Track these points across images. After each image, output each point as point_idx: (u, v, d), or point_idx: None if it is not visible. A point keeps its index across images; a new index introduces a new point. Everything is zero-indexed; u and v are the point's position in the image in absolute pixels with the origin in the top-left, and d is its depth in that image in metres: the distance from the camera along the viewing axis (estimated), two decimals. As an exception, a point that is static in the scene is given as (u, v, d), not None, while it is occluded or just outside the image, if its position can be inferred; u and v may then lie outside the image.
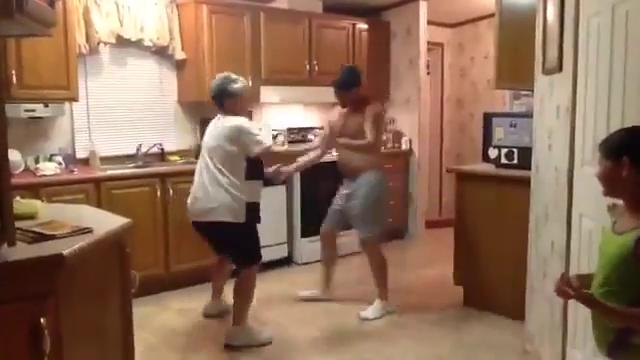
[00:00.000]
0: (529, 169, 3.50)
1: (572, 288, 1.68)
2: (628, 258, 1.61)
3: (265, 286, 4.34)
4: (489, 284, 3.99)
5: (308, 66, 5.55)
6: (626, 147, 1.68)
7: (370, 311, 3.99)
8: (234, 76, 3.63)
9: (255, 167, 3.54)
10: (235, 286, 3.55)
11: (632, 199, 1.70)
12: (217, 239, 3.63)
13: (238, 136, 3.43)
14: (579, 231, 2.58)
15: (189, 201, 3.58)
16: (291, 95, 5.53)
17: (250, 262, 3.56)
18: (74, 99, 4.33)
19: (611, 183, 1.74)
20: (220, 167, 3.43)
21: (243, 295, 3.53)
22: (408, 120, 6.30)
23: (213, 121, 3.65)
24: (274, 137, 5.37)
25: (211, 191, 3.41)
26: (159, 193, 4.39)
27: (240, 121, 3.49)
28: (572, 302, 2.58)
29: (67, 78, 4.19)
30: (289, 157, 4.23)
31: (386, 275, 4.11)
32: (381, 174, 4.09)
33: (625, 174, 1.66)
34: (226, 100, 3.55)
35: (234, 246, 3.56)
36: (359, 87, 4.10)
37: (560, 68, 2.83)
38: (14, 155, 3.98)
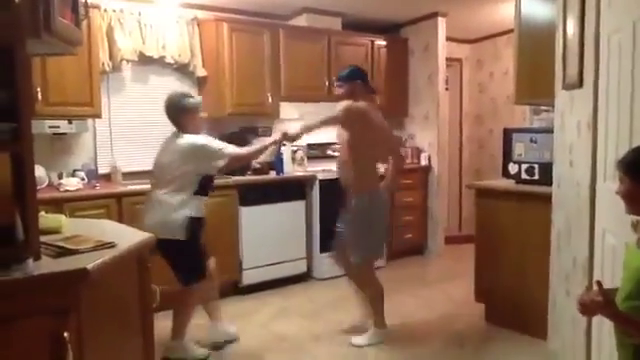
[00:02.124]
0: (550, 185, 3.47)
1: (598, 298, 1.66)
2: None
3: (283, 301, 4.35)
4: (510, 301, 3.94)
5: (327, 82, 5.58)
6: None
7: (362, 338, 3.79)
8: (186, 92, 3.62)
9: (207, 183, 3.50)
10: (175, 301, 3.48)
11: None
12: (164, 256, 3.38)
13: (196, 154, 3.37)
14: (602, 247, 2.54)
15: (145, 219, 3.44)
16: (310, 111, 5.55)
17: (194, 279, 3.46)
18: (97, 116, 4.41)
19: (633, 201, 1.72)
20: (167, 184, 3.37)
21: (181, 311, 3.52)
22: (427, 136, 6.29)
23: (166, 139, 3.56)
24: (294, 152, 5.40)
25: (157, 209, 3.36)
26: (179, 208, 4.42)
27: (196, 138, 3.42)
28: (596, 320, 2.55)
29: (91, 95, 4.27)
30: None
31: (382, 303, 3.83)
32: (375, 195, 3.76)
33: None
34: (182, 116, 3.46)
35: (178, 263, 3.42)
36: (362, 82, 3.85)
37: (581, 84, 2.81)
38: (39, 170, 4.05)
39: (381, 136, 3.83)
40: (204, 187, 3.47)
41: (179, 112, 3.47)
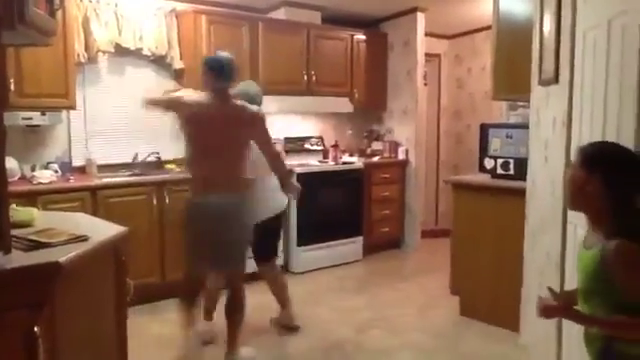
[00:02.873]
0: (524, 180, 3.52)
1: (553, 303, 1.72)
2: (598, 273, 1.64)
3: (260, 295, 4.33)
4: (485, 294, 3.99)
5: (306, 76, 5.57)
6: (602, 162, 1.68)
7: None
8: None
9: None
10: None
11: (595, 214, 1.72)
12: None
13: None
14: (574, 242, 2.58)
15: None
16: (289, 105, 5.55)
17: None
18: (72, 107, 4.34)
19: (577, 192, 1.73)
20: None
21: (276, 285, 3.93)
22: (405, 131, 6.32)
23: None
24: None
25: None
26: (155, 201, 4.38)
27: None
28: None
29: (66, 87, 4.20)
30: None
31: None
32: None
33: (593, 188, 1.67)
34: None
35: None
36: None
37: (556, 79, 2.85)
38: (10, 163, 3.98)
39: None
40: None
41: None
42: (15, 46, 3.18)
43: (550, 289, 1.84)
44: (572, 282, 2.42)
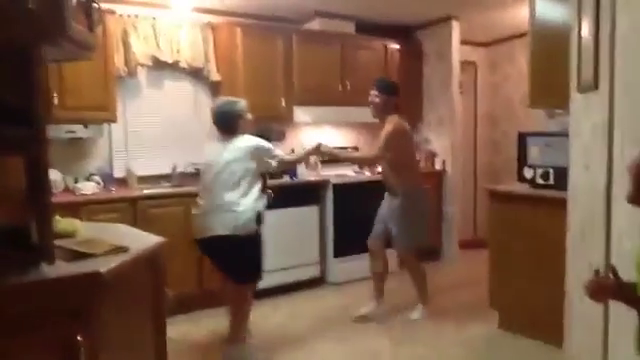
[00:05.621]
0: (565, 189, 3.44)
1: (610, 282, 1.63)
2: None
3: (296, 306, 4.35)
4: (525, 307, 3.90)
5: (341, 86, 5.58)
6: None
7: (416, 313, 4.32)
8: (233, 98, 3.79)
9: (264, 181, 3.73)
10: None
11: None
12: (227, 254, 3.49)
13: (258, 152, 3.55)
14: (618, 252, 2.51)
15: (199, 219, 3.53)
16: (324, 115, 5.57)
17: (254, 278, 3.65)
18: (113, 120, 4.45)
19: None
20: (234, 186, 3.44)
21: (238, 312, 3.61)
22: (442, 140, 6.27)
23: (212, 146, 3.67)
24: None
25: (228, 209, 3.41)
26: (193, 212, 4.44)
27: (254, 138, 3.61)
28: (612, 326, 2.51)
29: (106, 100, 4.32)
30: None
31: (424, 283, 4.37)
32: (418, 193, 4.26)
33: None
34: (236, 121, 3.59)
35: (241, 260, 3.49)
36: (394, 97, 4.31)
37: (596, 86, 2.78)
38: (54, 175, 4.10)
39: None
40: (265, 185, 3.69)
41: (235, 117, 3.61)
42: (57, 61, 3.28)
43: (597, 271, 1.75)
44: (616, 294, 2.35)
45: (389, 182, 4.25)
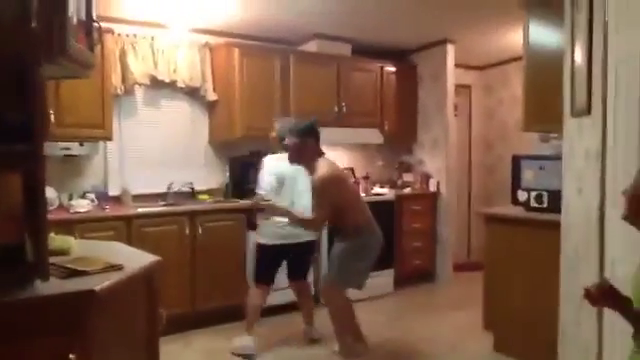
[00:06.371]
0: (559, 212, 3.45)
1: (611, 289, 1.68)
2: None
3: (297, 325, 4.30)
4: (520, 330, 3.89)
5: (337, 108, 5.62)
6: None
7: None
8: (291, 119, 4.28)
9: None
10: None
11: None
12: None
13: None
14: (611, 276, 2.52)
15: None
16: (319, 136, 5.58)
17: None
18: (108, 138, 4.46)
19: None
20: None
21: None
22: (436, 162, 6.30)
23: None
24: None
25: None
26: (188, 231, 4.44)
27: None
28: (607, 350, 2.51)
29: (103, 118, 4.33)
30: None
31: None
32: (365, 235, 3.80)
33: None
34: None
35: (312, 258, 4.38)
36: (311, 139, 3.80)
37: (589, 111, 2.82)
38: (49, 192, 4.08)
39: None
40: None
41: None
42: (55, 79, 3.29)
43: (604, 280, 1.79)
44: (612, 318, 2.35)
45: (335, 227, 3.90)
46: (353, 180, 5.83)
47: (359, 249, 3.75)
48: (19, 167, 1.74)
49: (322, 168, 3.67)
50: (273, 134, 4.18)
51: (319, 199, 3.63)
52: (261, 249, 4.10)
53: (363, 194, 5.67)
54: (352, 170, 6.09)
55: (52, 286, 1.75)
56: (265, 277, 4.06)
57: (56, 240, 2.27)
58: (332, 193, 3.65)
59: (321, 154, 3.79)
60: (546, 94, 3.69)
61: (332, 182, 3.68)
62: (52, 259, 1.90)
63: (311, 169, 3.72)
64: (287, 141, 3.78)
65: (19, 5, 1.62)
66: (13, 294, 1.64)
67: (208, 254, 4.52)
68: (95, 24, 2.13)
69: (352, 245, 3.74)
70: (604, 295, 1.72)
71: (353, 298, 4.49)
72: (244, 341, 3.96)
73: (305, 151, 3.73)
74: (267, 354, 4.01)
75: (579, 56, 2.97)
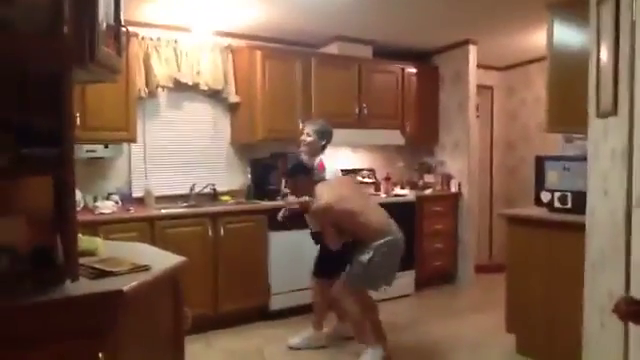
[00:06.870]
0: (583, 214, 3.41)
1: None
2: None
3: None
4: (543, 332, 3.85)
5: (358, 109, 5.62)
6: None
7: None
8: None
9: None
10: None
11: None
12: None
13: None
14: (639, 279, 2.48)
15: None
16: (341, 138, 5.57)
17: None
18: (132, 140, 4.52)
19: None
20: None
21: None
22: (457, 163, 6.26)
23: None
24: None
25: None
26: (210, 232, 4.47)
27: None
28: (633, 354, 2.48)
29: (127, 120, 4.39)
30: None
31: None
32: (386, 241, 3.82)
33: None
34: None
35: None
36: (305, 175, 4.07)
37: (615, 111, 2.78)
38: (75, 194, 4.15)
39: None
40: None
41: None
42: (83, 83, 3.34)
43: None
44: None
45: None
46: (371, 181, 5.85)
47: (379, 256, 3.73)
48: (50, 171, 1.78)
49: (322, 195, 3.85)
50: (309, 138, 4.29)
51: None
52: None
53: (384, 195, 5.68)
54: (373, 171, 6.09)
55: (82, 286, 1.79)
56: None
57: (83, 241, 2.31)
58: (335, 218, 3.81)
59: (314, 184, 3.96)
60: (570, 95, 3.65)
61: (333, 209, 3.80)
62: (81, 260, 1.94)
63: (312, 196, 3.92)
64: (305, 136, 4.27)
65: (51, 11, 1.66)
66: (46, 294, 1.68)
67: (230, 255, 4.55)
68: (123, 29, 2.16)
69: (373, 254, 3.73)
70: (632, 315, 1.70)
71: (374, 299, 4.49)
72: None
73: (300, 187, 4.03)
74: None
75: (605, 55, 2.94)
